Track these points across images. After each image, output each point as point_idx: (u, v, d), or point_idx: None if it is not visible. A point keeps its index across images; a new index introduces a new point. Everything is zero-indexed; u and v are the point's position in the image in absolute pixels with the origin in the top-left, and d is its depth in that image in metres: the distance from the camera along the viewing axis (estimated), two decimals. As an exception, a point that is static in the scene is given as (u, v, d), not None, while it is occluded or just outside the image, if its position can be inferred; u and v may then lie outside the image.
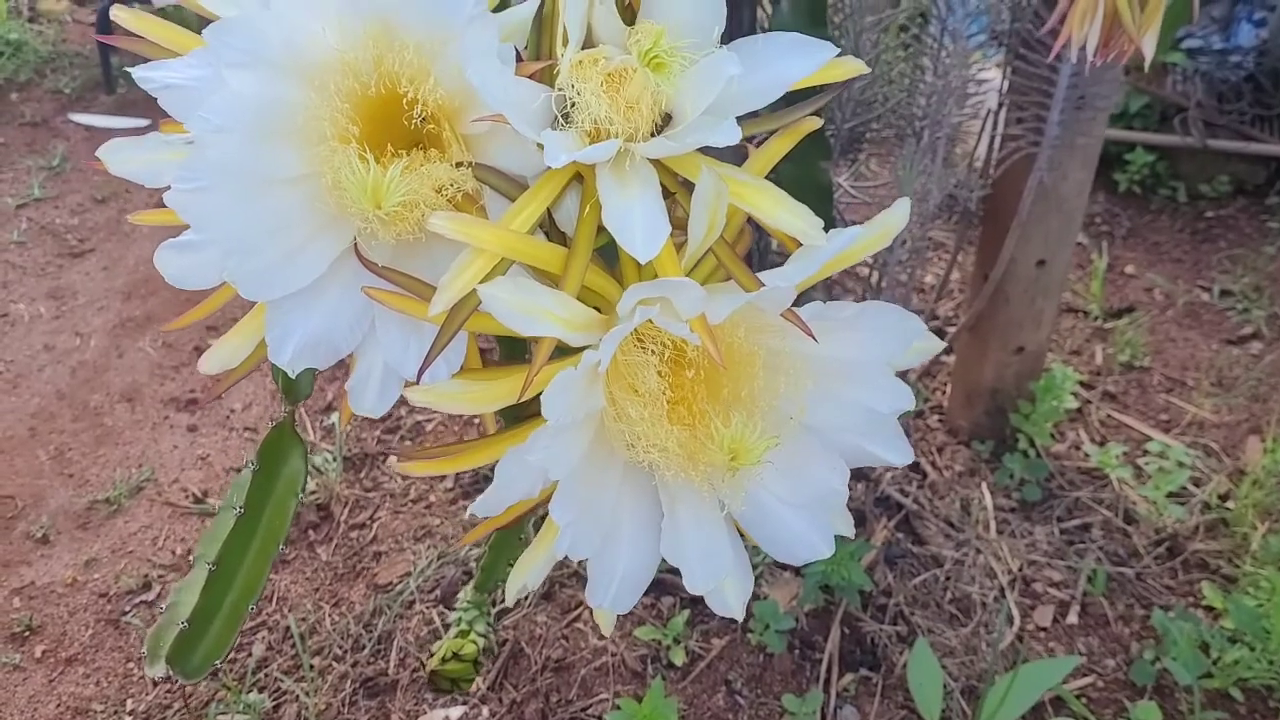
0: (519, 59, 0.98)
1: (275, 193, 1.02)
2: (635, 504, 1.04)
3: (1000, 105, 2.99)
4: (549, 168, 0.95)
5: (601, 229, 0.96)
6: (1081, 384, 3.76)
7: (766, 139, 1.08)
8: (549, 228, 1.03)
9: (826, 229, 1.90)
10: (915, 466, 3.30)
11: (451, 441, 2.22)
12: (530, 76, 0.96)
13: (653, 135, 0.96)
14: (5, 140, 6.28)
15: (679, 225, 1.07)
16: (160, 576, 3.32)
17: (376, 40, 1.00)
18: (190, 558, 3.06)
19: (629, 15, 0.98)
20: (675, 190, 1.00)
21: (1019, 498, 3.20)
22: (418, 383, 1.04)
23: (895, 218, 1.03)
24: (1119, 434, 3.54)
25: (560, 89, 0.94)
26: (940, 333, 3.82)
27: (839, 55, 0.95)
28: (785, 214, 0.95)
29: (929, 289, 4.25)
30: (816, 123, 1.04)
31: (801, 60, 0.93)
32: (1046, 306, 3.19)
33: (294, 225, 1.03)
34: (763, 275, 0.98)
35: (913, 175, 2.41)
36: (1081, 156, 2.92)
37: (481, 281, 0.91)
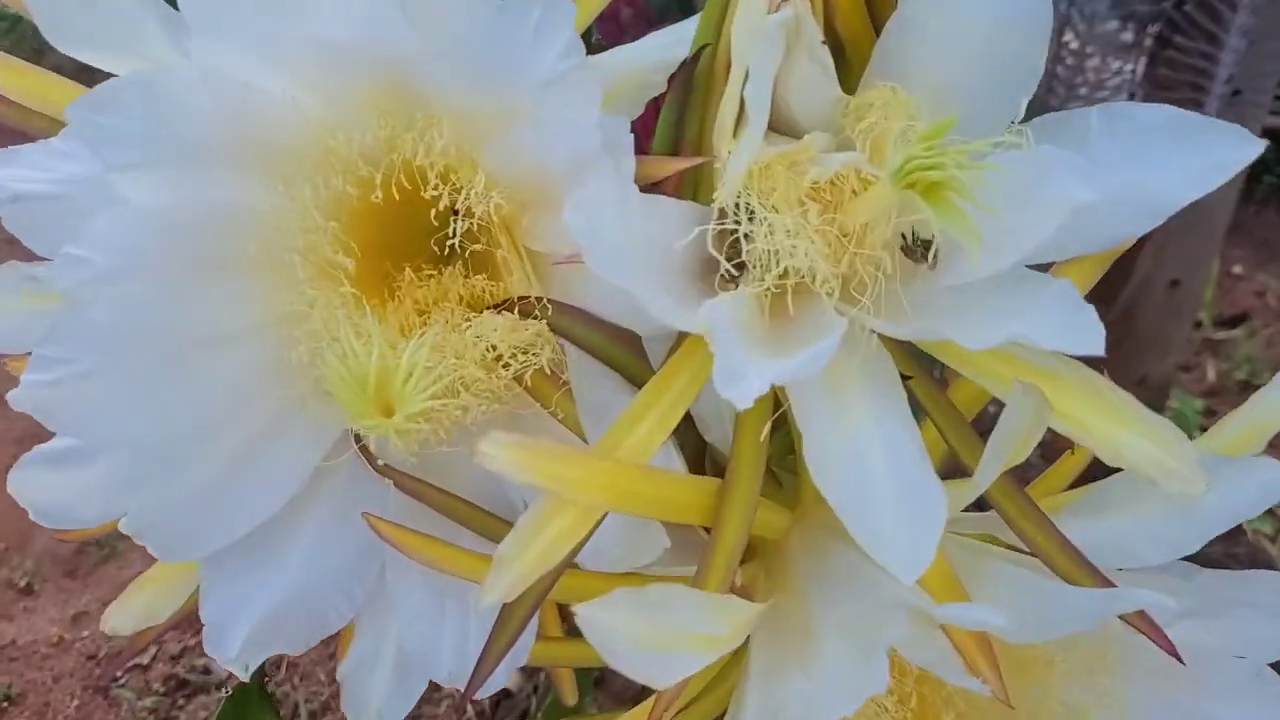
0: (639, 147, 0.54)
1: (206, 363, 0.59)
2: None
3: (1131, 98, 2.53)
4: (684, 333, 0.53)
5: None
6: (1196, 411, 3.30)
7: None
8: (685, 431, 0.60)
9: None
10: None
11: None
12: (661, 184, 0.53)
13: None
14: None
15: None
16: (158, 635, 2.94)
17: (385, 110, 0.57)
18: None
19: (846, 72, 0.54)
20: (908, 373, 0.56)
21: (1142, 555, 2.75)
22: (458, 689, 0.61)
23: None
24: (1245, 470, 3.09)
25: (722, 209, 0.50)
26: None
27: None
28: (1135, 438, 0.52)
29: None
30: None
31: (1196, 162, 0.49)
32: (1176, 332, 2.73)
33: (241, 415, 0.60)
34: (1084, 539, 0.54)
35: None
36: (1233, 160, 2.46)
37: (583, 603, 0.48)
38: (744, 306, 0.49)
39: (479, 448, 0.52)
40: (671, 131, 0.53)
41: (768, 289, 0.50)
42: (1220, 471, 0.52)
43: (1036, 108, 1.63)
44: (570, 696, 0.75)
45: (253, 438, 0.60)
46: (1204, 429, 2.51)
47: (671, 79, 0.54)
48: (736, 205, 0.50)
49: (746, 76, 0.46)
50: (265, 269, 0.58)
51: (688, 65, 0.51)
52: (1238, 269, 4.19)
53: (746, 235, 0.50)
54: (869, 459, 0.47)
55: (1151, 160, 0.49)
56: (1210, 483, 0.51)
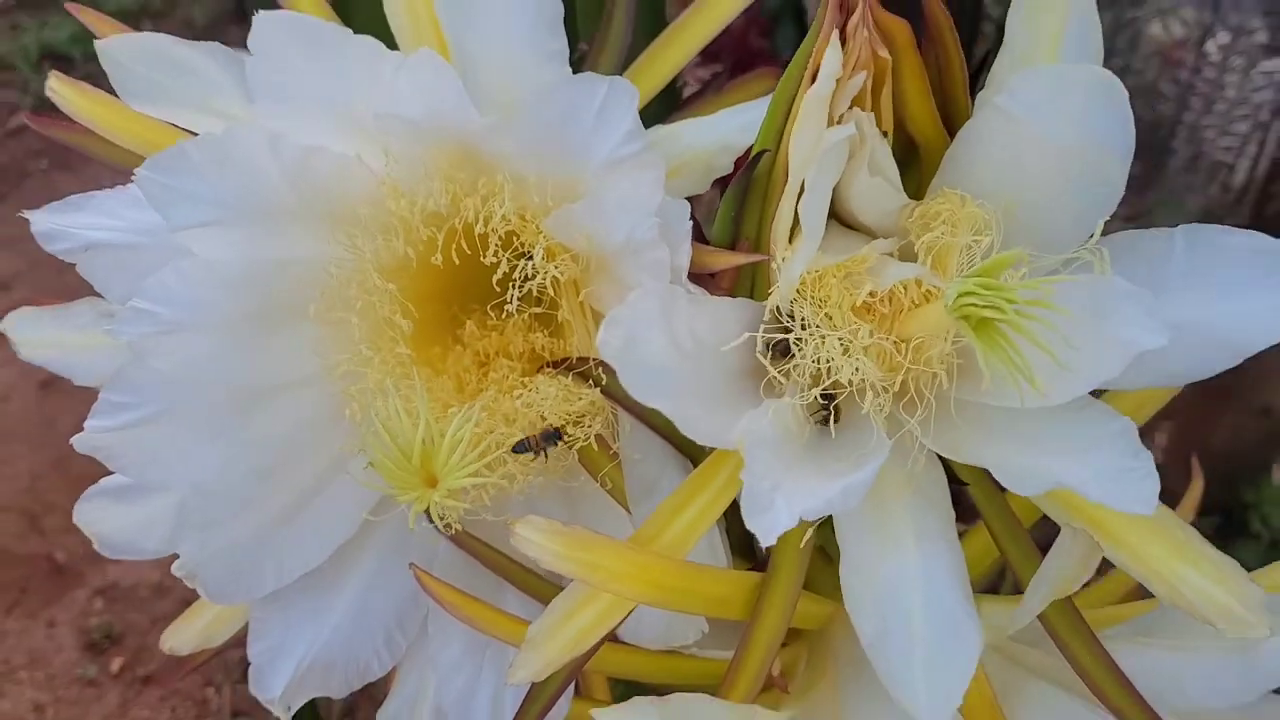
0: (700, 235, 0.53)
1: (265, 411, 0.61)
2: None
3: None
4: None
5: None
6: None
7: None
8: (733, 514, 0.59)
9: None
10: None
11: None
12: (716, 275, 0.52)
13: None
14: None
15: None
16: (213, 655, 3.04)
17: (450, 176, 0.57)
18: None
19: (919, 171, 0.52)
20: (964, 480, 0.54)
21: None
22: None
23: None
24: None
25: (774, 310, 0.49)
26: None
27: None
28: (1195, 576, 0.49)
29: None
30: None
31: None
32: (1302, 359, 2.59)
33: (296, 463, 0.62)
34: (1134, 666, 0.52)
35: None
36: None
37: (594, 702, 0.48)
38: (787, 416, 0.48)
39: (515, 530, 0.52)
40: (731, 225, 0.52)
41: (815, 400, 0.49)
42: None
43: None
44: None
45: (307, 486, 0.61)
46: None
47: (737, 164, 0.53)
48: (790, 310, 0.49)
49: (803, 189, 0.45)
50: (325, 323, 0.59)
51: (747, 168, 0.50)
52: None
53: (797, 342, 0.48)
54: (906, 591, 0.46)
55: (1235, 295, 0.46)
56: (1275, 627, 0.48)
